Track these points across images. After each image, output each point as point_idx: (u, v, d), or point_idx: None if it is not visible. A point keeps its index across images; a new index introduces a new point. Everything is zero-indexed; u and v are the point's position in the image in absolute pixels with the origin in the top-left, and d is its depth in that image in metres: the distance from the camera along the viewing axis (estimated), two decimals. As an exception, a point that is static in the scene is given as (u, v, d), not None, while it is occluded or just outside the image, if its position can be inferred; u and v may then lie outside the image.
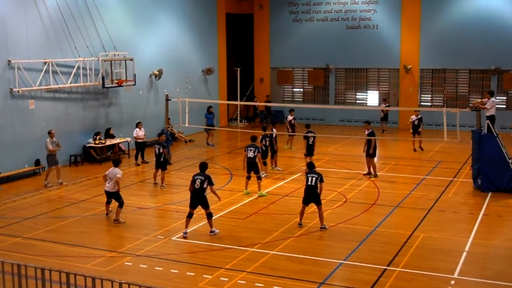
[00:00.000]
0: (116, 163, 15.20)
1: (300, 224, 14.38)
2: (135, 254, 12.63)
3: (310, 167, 14.51)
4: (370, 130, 19.61)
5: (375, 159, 20.14)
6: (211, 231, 13.76)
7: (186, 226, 13.82)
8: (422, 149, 24.26)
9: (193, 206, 13.69)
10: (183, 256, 12.55)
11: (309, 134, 20.33)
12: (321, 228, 14.09)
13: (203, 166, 13.86)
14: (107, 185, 14.94)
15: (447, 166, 21.37)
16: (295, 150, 23.97)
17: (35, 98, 20.77)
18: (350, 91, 32.81)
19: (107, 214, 15.46)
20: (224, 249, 12.97)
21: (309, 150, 20.26)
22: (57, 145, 18.96)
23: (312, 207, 14.39)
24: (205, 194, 13.54)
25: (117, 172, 14.91)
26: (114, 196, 14.98)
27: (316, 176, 14.08)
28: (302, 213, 14.38)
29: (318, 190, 14.07)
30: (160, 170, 18.72)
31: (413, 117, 24.46)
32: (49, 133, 18.96)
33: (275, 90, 34.28)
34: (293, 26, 33.14)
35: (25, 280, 8.81)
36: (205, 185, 13.50)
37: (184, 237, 13.62)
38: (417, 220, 14.87)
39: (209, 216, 13.71)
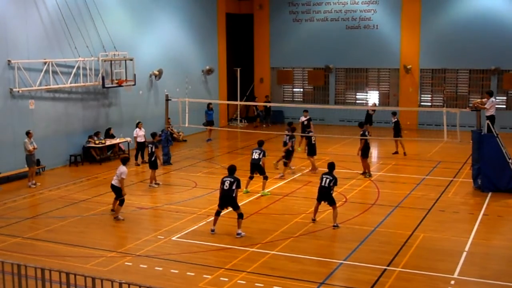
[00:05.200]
0: (124, 161, 15.53)
1: (313, 220, 14.57)
2: (135, 254, 12.63)
3: (330, 168, 14.56)
4: (362, 131, 19.90)
5: (368, 159, 20.21)
6: (237, 233, 13.70)
7: (214, 224, 13.99)
8: (397, 153, 23.41)
9: (221, 206, 13.93)
10: (183, 256, 12.54)
11: (311, 134, 20.49)
12: (334, 226, 14.19)
13: (232, 169, 14.02)
14: (114, 178, 15.36)
15: (447, 166, 21.37)
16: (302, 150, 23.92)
17: (35, 98, 20.77)
18: (350, 91, 32.81)
19: (112, 210, 15.64)
20: (224, 249, 12.97)
21: (312, 150, 20.33)
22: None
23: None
24: (233, 195, 13.67)
25: (123, 171, 15.18)
26: (115, 190, 15.26)
27: (331, 178, 14.22)
28: (316, 210, 14.61)
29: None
30: (151, 169, 18.86)
31: (392, 119, 23.80)
32: (28, 133, 18.97)
33: (275, 90, 34.28)
34: (293, 26, 33.13)
35: (25, 280, 8.81)
36: (233, 187, 13.65)
37: (212, 233, 13.83)
38: (417, 220, 14.87)
39: (240, 216, 13.75)
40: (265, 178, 17.55)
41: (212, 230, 13.93)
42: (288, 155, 19.63)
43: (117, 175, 15.17)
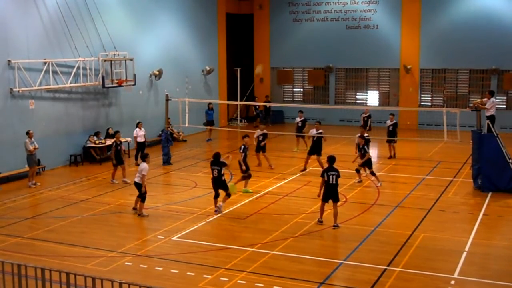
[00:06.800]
0: (143, 158, 15.95)
1: (321, 221, 14.46)
2: (135, 254, 12.63)
3: (331, 161, 14.30)
4: (320, 130, 20.63)
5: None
6: (219, 205, 15.43)
7: (215, 205, 15.54)
8: (394, 157, 22.92)
9: (215, 190, 15.56)
10: (183, 256, 12.54)
11: (260, 132, 21.15)
12: (334, 226, 14.16)
13: (216, 157, 15.39)
14: (136, 176, 15.61)
15: (447, 166, 21.37)
16: (300, 151, 23.88)
17: (35, 98, 20.77)
18: (350, 91, 32.82)
19: (133, 208, 15.83)
20: (224, 249, 12.97)
21: (259, 148, 21.21)
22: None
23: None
24: (223, 179, 15.37)
25: (143, 168, 15.37)
26: (138, 187, 15.45)
27: (336, 173, 14.15)
28: (322, 210, 14.48)
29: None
30: (119, 167, 19.14)
31: (388, 122, 23.17)
32: (28, 133, 18.98)
33: (275, 90, 34.29)
34: (293, 26, 33.14)
35: (25, 280, 8.81)
36: (222, 173, 15.24)
37: (216, 212, 15.40)
38: (417, 220, 14.87)
39: (228, 196, 15.52)
40: (247, 177, 17.69)
41: (218, 207, 15.40)
42: (369, 163, 18.74)
43: (139, 172, 15.39)
